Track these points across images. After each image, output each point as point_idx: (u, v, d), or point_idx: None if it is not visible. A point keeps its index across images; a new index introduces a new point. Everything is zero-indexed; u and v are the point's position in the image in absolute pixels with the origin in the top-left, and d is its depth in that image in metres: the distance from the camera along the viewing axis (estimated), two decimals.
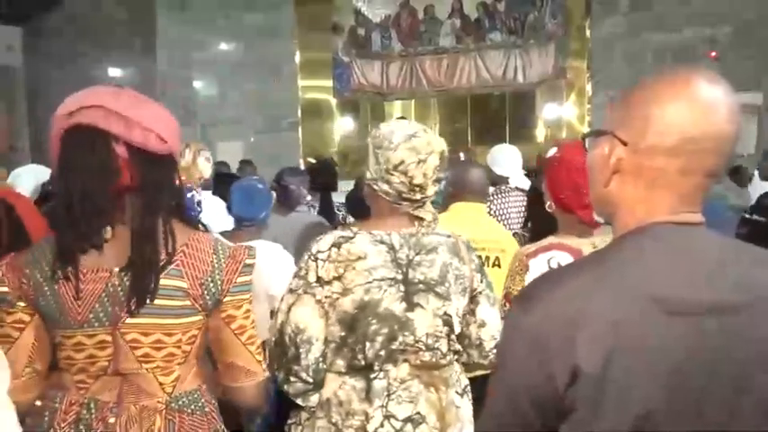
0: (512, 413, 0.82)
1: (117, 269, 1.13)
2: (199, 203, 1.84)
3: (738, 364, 0.76)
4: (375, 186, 1.44)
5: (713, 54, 6.03)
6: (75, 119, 1.11)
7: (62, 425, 1.15)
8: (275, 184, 3.18)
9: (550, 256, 1.63)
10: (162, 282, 1.13)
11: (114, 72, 8.01)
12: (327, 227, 3.07)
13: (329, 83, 7.93)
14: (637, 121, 0.82)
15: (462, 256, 1.48)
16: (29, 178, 2.67)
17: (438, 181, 1.44)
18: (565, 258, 1.62)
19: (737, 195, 4.04)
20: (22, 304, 1.15)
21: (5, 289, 1.15)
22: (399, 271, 1.40)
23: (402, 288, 1.39)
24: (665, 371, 0.75)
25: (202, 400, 1.22)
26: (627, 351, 0.75)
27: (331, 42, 7.93)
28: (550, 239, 1.69)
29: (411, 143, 1.39)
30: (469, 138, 8.02)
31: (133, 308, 1.12)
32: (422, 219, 1.45)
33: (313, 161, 6.35)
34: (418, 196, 1.42)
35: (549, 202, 1.75)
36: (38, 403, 1.18)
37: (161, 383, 1.17)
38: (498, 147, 3.84)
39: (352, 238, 1.40)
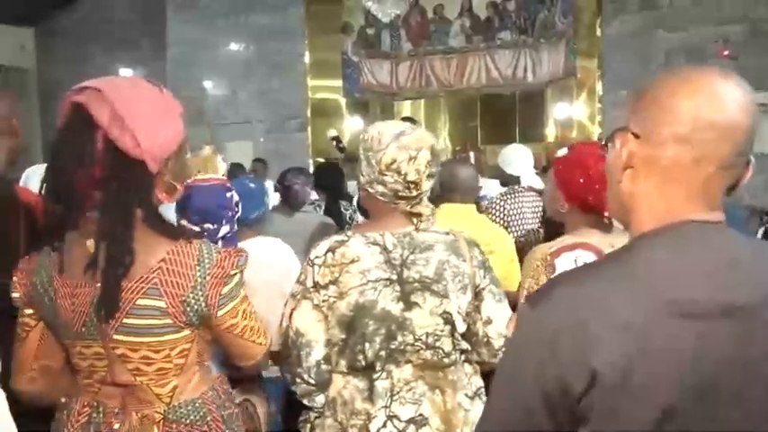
0: (520, 414, 0.80)
1: (99, 284, 1.10)
2: (237, 204, 1.83)
3: (759, 366, 0.75)
4: (370, 189, 1.45)
5: (726, 53, 5.96)
6: (76, 97, 1.10)
7: (75, 425, 1.17)
8: (278, 184, 3.16)
9: (576, 256, 1.61)
10: (139, 302, 1.09)
11: (125, 72, 8.05)
12: (333, 226, 3.06)
13: (339, 83, 7.91)
14: (649, 113, 0.81)
15: (462, 253, 1.47)
16: (39, 177, 2.66)
17: (431, 176, 1.44)
18: (590, 259, 1.60)
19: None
20: (28, 311, 1.20)
21: (17, 295, 1.20)
22: (393, 271, 1.41)
23: (398, 288, 1.40)
24: (684, 374, 0.74)
25: (204, 410, 1.19)
26: (645, 354, 0.74)
27: (340, 42, 7.93)
28: (572, 239, 1.66)
29: (400, 141, 1.40)
30: (479, 137, 7.99)
31: (104, 326, 1.10)
32: (419, 215, 1.45)
33: (321, 161, 6.36)
34: (414, 193, 1.42)
35: (561, 203, 1.73)
36: (63, 400, 1.23)
37: (157, 394, 1.15)
38: (510, 147, 3.84)
39: (346, 241, 1.43)
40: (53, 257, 1.14)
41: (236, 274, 1.17)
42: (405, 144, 1.40)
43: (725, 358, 0.74)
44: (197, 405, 1.18)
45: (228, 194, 1.80)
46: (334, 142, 5.09)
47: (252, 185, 2.23)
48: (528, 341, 0.81)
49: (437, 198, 2.45)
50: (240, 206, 1.85)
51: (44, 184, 1.13)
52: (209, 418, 1.18)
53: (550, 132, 7.53)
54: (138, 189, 1.11)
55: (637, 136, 0.82)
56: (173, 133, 1.14)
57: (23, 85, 8.87)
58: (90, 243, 1.09)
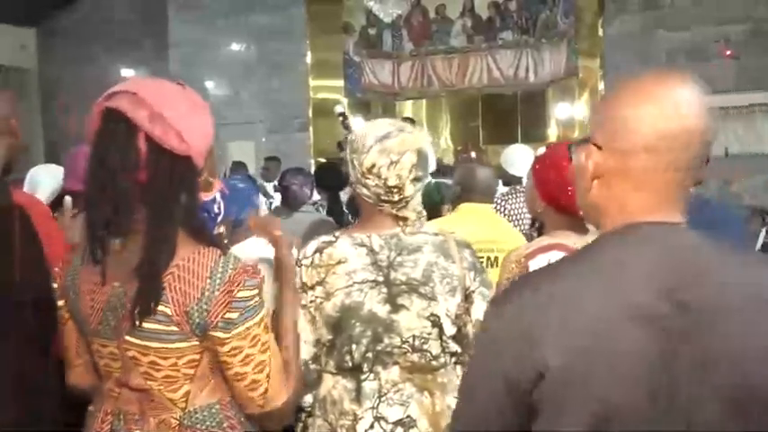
0: (482, 408, 0.83)
1: (117, 283, 1.09)
2: (219, 206, 1.79)
3: (714, 368, 0.75)
4: (357, 190, 1.46)
5: (728, 53, 5.96)
6: (108, 102, 1.08)
7: None
8: (278, 185, 3.17)
9: (550, 258, 1.60)
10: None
11: (127, 72, 8.07)
12: (332, 225, 3.07)
13: (340, 83, 7.92)
14: (609, 124, 0.83)
15: (451, 255, 1.46)
16: (47, 178, 2.65)
17: (417, 179, 1.42)
18: None
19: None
20: (61, 303, 1.21)
21: (55, 285, 1.22)
22: (380, 273, 1.40)
23: (384, 290, 1.40)
24: (633, 373, 0.75)
25: (220, 416, 1.14)
26: (596, 353, 0.76)
27: (342, 42, 7.93)
28: (548, 240, 1.66)
29: (383, 145, 1.39)
30: (481, 137, 8.00)
31: (124, 326, 1.08)
32: (405, 219, 1.44)
33: (323, 161, 6.34)
34: (396, 197, 1.41)
35: (537, 202, 1.71)
36: (90, 409, 1.21)
37: (170, 399, 1.12)
38: (512, 147, 3.85)
39: (333, 242, 1.43)
40: (86, 255, 1.13)
41: (249, 293, 1.09)
42: (387, 148, 1.39)
43: (677, 359, 0.75)
44: (213, 411, 1.14)
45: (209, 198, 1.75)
46: (341, 118, 5.09)
47: (241, 185, 2.15)
48: (490, 338, 0.86)
49: (457, 198, 2.47)
50: (222, 207, 1.81)
51: (85, 195, 1.10)
52: (225, 425, 1.14)
53: (552, 132, 7.53)
54: (182, 187, 1.09)
55: (599, 147, 0.84)
56: (207, 128, 1.14)
57: (24, 84, 8.88)
58: (117, 242, 1.09)
